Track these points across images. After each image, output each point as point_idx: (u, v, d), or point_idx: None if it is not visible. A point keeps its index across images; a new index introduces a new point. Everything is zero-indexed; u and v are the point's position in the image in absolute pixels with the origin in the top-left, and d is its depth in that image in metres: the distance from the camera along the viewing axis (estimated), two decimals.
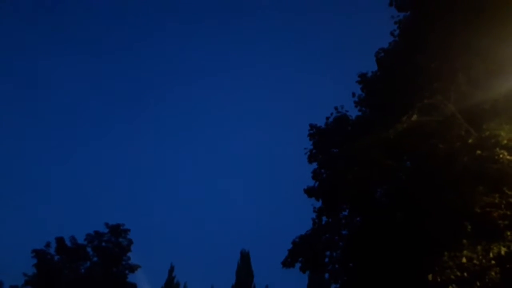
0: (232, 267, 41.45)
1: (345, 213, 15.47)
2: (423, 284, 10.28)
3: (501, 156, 9.99)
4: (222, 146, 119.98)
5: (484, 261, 9.68)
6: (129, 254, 29.22)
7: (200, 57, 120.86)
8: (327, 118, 16.34)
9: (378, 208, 13.83)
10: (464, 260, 9.80)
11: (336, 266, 14.99)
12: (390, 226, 12.54)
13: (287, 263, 14.71)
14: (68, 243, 28.42)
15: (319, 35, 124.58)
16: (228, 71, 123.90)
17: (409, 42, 14.04)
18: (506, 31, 11.06)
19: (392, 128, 11.71)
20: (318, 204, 15.52)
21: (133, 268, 29.11)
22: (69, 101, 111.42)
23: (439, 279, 9.84)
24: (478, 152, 10.31)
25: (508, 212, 10.03)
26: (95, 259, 28.61)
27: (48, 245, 27.97)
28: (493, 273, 9.60)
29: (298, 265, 14.72)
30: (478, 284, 9.63)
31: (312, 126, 16.43)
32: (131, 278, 29.08)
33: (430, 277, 9.96)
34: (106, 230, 29.22)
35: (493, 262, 9.65)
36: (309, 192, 15.54)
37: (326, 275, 16.88)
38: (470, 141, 10.73)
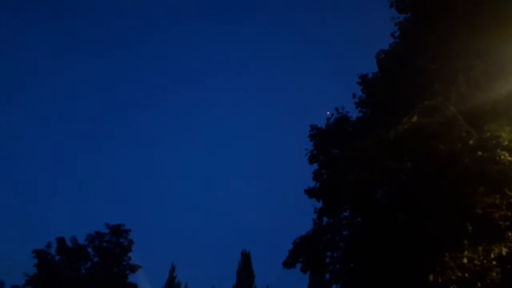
0: (233, 268, 41.57)
1: (346, 213, 15.46)
2: (424, 285, 10.30)
3: (502, 157, 10.03)
4: (222, 146, 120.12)
5: (485, 261, 9.72)
6: (130, 254, 29.28)
7: (201, 57, 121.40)
8: (328, 119, 16.32)
9: (379, 209, 13.83)
10: (465, 260, 9.84)
11: (337, 266, 14.98)
12: (391, 227, 12.54)
13: (288, 263, 14.70)
14: (69, 243, 28.47)
15: (321, 36, 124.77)
16: (228, 71, 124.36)
17: (410, 43, 14.05)
18: (507, 32, 11.05)
19: (392, 129, 11.70)
20: (319, 204, 15.50)
21: (134, 269, 29.13)
22: (69, 101, 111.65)
23: (440, 280, 9.87)
24: (479, 153, 10.34)
25: (509, 213, 10.07)
26: (96, 259, 28.63)
27: (49, 245, 28.02)
28: (494, 274, 9.64)
29: (299, 265, 14.70)
30: (479, 284, 9.67)
31: (312, 127, 16.39)
32: (132, 278, 29.20)
33: (431, 277, 9.99)
34: (107, 231, 29.29)
35: (494, 262, 9.70)
36: (310, 192, 15.52)
37: (327, 276, 16.81)
38: (471, 142, 10.75)
